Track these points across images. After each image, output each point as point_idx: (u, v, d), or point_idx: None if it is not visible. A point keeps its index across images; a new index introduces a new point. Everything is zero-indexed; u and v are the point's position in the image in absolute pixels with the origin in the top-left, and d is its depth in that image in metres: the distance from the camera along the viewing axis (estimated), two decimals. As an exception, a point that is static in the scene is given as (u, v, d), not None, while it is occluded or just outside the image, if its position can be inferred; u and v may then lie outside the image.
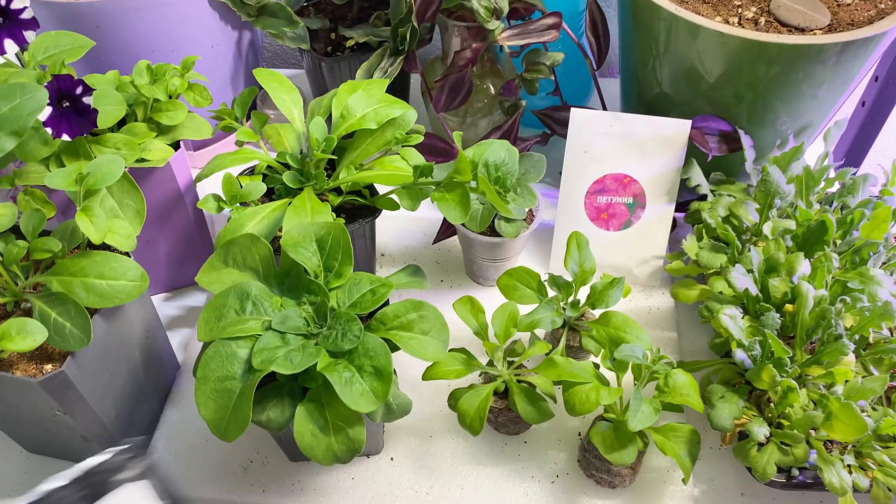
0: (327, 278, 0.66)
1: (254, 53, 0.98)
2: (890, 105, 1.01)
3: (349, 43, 0.92)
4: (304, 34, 0.91)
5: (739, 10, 0.77)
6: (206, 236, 0.85)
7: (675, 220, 0.89)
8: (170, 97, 0.75)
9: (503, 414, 0.72)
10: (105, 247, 0.68)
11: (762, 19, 0.75)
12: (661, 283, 0.87)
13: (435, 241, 0.86)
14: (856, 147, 1.06)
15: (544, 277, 0.89)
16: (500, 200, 0.66)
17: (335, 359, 0.62)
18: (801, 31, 0.74)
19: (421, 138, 0.78)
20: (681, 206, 0.90)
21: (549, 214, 0.94)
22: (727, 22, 0.76)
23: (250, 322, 0.62)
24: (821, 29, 0.74)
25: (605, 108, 0.93)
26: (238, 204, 0.74)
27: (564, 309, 0.75)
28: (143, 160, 0.73)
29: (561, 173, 0.93)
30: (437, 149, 0.92)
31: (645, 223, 0.85)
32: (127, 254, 0.66)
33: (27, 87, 0.55)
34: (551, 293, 0.76)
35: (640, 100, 0.92)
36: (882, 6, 0.76)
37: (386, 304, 0.67)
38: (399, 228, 0.94)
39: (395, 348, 0.64)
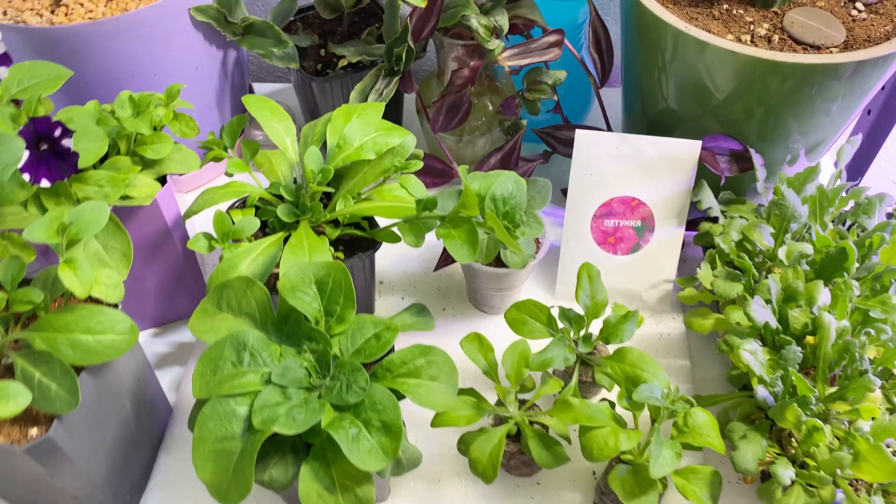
0: (329, 324, 0.62)
1: (240, 72, 0.94)
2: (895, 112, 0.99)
3: (341, 63, 0.88)
4: (294, 53, 0.87)
5: (751, 26, 0.73)
6: (196, 269, 0.81)
7: (684, 239, 0.86)
8: (154, 128, 0.71)
9: (515, 457, 0.69)
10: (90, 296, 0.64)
11: (775, 36, 0.72)
12: (672, 308, 0.85)
13: (436, 269, 0.83)
14: (860, 156, 1.03)
15: (551, 304, 0.86)
16: (509, 238, 0.62)
17: (340, 412, 0.58)
18: (817, 48, 0.71)
19: (420, 164, 0.74)
20: (689, 225, 0.87)
21: (553, 234, 0.91)
22: (739, 40, 0.72)
23: (248, 375, 0.59)
24: (836, 46, 0.71)
25: (608, 127, 0.90)
26: (231, 240, 0.70)
27: (576, 343, 0.72)
28: (127, 197, 0.69)
29: (563, 190, 0.90)
30: (434, 169, 0.88)
31: (654, 247, 0.82)
32: (115, 304, 0.62)
33: (1, 138, 0.51)
34: (560, 324, 0.73)
35: (644, 113, 0.89)
36: (898, 20, 0.74)
37: (391, 349, 0.64)
38: (398, 254, 0.90)
39: (402, 396, 0.61)
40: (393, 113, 1.00)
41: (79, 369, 0.59)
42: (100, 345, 0.58)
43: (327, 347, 0.61)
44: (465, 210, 0.63)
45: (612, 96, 1.08)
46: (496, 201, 0.64)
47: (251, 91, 1.03)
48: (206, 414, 0.57)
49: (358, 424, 0.57)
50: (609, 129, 0.90)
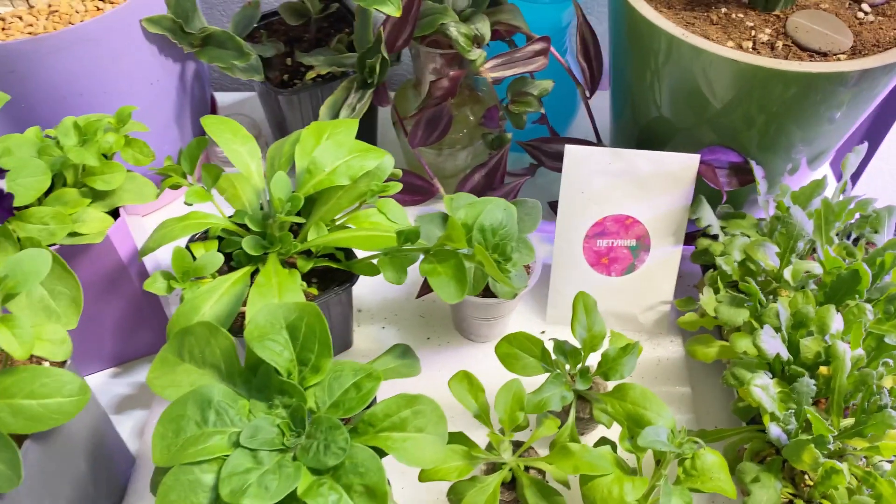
0: (302, 374, 0.56)
1: (200, 84, 0.87)
2: (894, 114, 0.95)
3: (310, 75, 0.81)
4: (257, 64, 0.80)
5: (753, 32, 0.68)
6: (157, 304, 0.75)
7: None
8: (105, 156, 0.64)
9: (511, 506, 0.64)
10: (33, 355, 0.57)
11: (779, 43, 0.67)
12: (670, 331, 0.80)
13: (419, 296, 0.77)
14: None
15: (542, 330, 0.81)
16: (500, 273, 0.57)
17: (318, 476, 0.52)
18: (823, 55, 0.66)
19: (399, 187, 0.68)
20: (686, 238, 0.82)
21: (543, 250, 0.86)
22: (740, 47, 0.67)
23: (214, 438, 0.53)
24: (843, 52, 0.66)
25: (597, 138, 0.84)
26: (192, 278, 0.64)
27: (573, 378, 0.67)
28: (76, 234, 0.62)
29: (551, 203, 0.84)
30: (414, 186, 0.83)
31: (650, 267, 0.77)
32: (62, 362, 0.56)
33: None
34: (554, 356, 0.68)
35: (634, 120, 0.84)
36: (908, 23, 0.69)
37: (373, 401, 0.58)
38: (377, 279, 0.83)
39: (384, 454, 0.55)
40: (367, 124, 0.94)
41: (22, 437, 0.53)
42: (45, 410, 0.52)
43: (301, 402, 0.55)
44: (451, 242, 0.58)
45: (600, 99, 1.02)
46: (485, 232, 0.59)
47: (213, 103, 0.96)
48: (169, 485, 0.51)
49: (338, 490, 0.51)
50: (598, 140, 0.85)
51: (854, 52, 0.67)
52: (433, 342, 0.79)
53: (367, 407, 0.56)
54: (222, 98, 1.03)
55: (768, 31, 0.68)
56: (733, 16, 0.69)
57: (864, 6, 0.70)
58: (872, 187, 1.13)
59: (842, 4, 0.70)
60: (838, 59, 0.66)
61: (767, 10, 0.69)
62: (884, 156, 1.11)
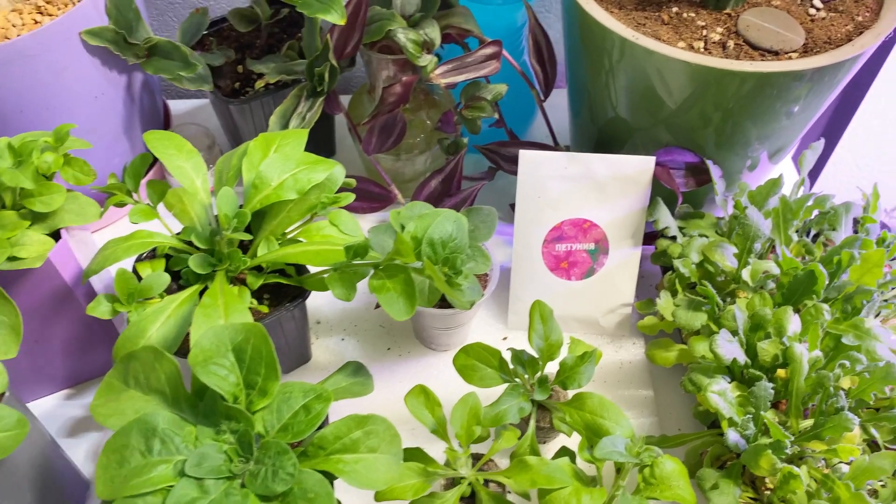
0: (250, 398, 0.55)
1: (149, 94, 0.85)
2: (854, 106, 0.95)
3: (259, 84, 0.79)
4: (206, 74, 0.78)
5: (704, 31, 0.67)
6: (108, 323, 0.73)
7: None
8: (45, 177, 0.62)
9: (471, 521, 0.63)
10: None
11: (730, 42, 0.66)
12: (632, 333, 0.79)
13: (378, 306, 0.76)
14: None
15: (504, 336, 0.80)
16: (449, 288, 0.56)
17: (267, 503, 0.51)
18: (775, 53, 0.65)
19: (352, 198, 0.67)
20: (646, 239, 0.81)
21: (503, 254, 0.85)
22: (691, 47, 0.66)
23: (159, 468, 0.51)
24: (795, 50, 0.66)
25: (554, 142, 0.83)
26: (139, 300, 0.62)
27: (532, 388, 0.66)
28: (15, 258, 0.60)
29: (512, 205, 0.83)
30: (371, 194, 0.81)
31: (609, 270, 0.76)
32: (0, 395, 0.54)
33: None
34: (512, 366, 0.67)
35: (592, 120, 0.83)
36: (860, 18, 0.68)
37: (325, 420, 0.57)
38: (335, 289, 0.83)
39: (334, 477, 0.54)
40: (324, 130, 0.92)
41: (-42, 474, 0.51)
42: (-20, 445, 0.50)
43: (248, 427, 0.53)
44: (399, 257, 0.56)
45: (560, 97, 1.01)
46: (434, 245, 0.57)
47: (167, 112, 0.94)
48: (111, 519, 0.49)
49: (287, 517, 0.50)
50: (555, 142, 0.84)
51: (806, 50, 0.66)
52: (394, 352, 0.78)
53: (319, 429, 0.55)
54: (176, 106, 1.01)
55: (720, 30, 0.67)
56: (685, 15, 0.68)
57: (816, 2, 0.69)
58: (839, 179, 1.13)
59: (793, 1, 0.69)
60: (790, 58, 0.65)
61: (719, 8, 0.68)
62: (848, 146, 1.11)
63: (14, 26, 0.70)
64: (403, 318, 0.56)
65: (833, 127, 0.96)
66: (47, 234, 0.63)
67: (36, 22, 0.71)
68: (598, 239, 0.75)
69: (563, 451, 0.64)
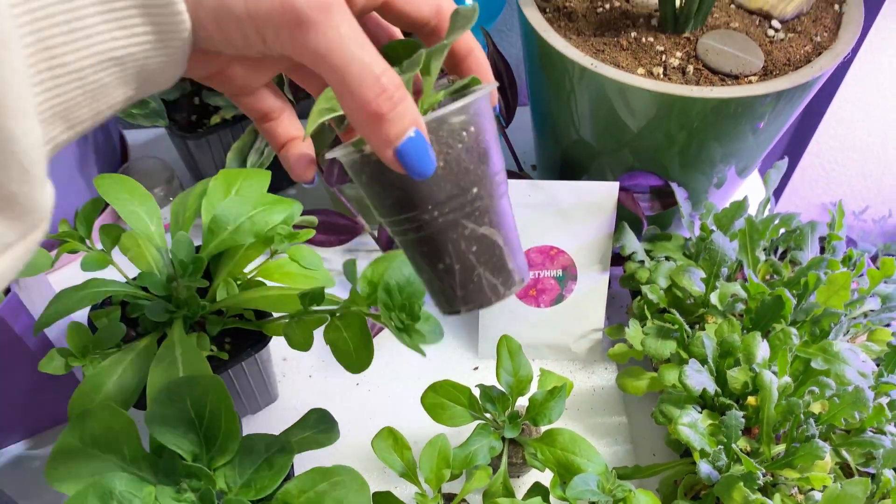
0: (210, 454, 0.53)
1: (103, 128, 0.83)
2: (818, 118, 0.95)
3: (214, 119, 0.77)
4: (160, 108, 0.76)
5: (663, 56, 0.66)
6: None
7: (609, 278, 0.80)
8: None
9: (444, 564, 0.62)
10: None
11: (690, 67, 0.66)
12: (603, 358, 0.78)
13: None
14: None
15: (475, 366, 0.79)
16: (405, 336, 0.54)
17: (230, 565, 0.50)
18: (735, 77, 0.65)
19: (311, 234, 0.66)
20: (616, 260, 0.81)
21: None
22: (651, 73, 0.65)
23: (118, 533, 0.50)
24: (755, 73, 0.65)
25: (519, 168, 0.82)
26: (95, 352, 0.61)
27: (502, 424, 0.65)
28: (-38, 314, 0.58)
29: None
30: (337, 226, 0.80)
31: (578, 296, 0.75)
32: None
33: None
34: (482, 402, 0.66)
35: (557, 141, 0.82)
36: (818, 38, 0.68)
37: (290, 474, 0.55)
38: (301, 323, 0.81)
39: (303, 532, 0.53)
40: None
41: None
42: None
43: (210, 486, 0.52)
44: (356, 304, 0.55)
45: (523, 114, 1.00)
46: (391, 291, 0.56)
47: (124, 145, 0.91)
48: (67, 592, 0.48)
49: (252, 579, 0.49)
50: (520, 169, 0.83)
51: (766, 73, 0.65)
52: (363, 387, 0.77)
53: (283, 482, 0.54)
54: (135, 136, 0.99)
55: (679, 54, 0.66)
56: (643, 40, 0.68)
57: (775, 23, 0.69)
58: (806, 190, 1.13)
59: (752, 23, 0.69)
60: (750, 82, 0.65)
61: (677, 32, 0.68)
62: (815, 153, 1.11)
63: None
64: (359, 371, 0.55)
65: (798, 139, 0.96)
66: (-4, 288, 0.61)
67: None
68: (565, 265, 0.74)
69: (536, 488, 0.63)
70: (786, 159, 0.75)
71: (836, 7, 0.71)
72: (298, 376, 0.77)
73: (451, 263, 0.38)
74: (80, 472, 0.53)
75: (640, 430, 0.74)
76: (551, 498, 0.63)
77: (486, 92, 0.36)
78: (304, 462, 0.58)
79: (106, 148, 0.84)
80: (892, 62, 1.00)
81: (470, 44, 0.40)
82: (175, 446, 0.52)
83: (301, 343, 0.57)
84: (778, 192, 1.10)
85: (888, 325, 0.71)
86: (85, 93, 0.27)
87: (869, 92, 1.05)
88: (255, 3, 0.29)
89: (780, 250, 0.77)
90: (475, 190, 0.36)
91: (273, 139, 0.40)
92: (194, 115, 0.83)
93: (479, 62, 0.39)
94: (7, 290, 0.61)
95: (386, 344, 0.78)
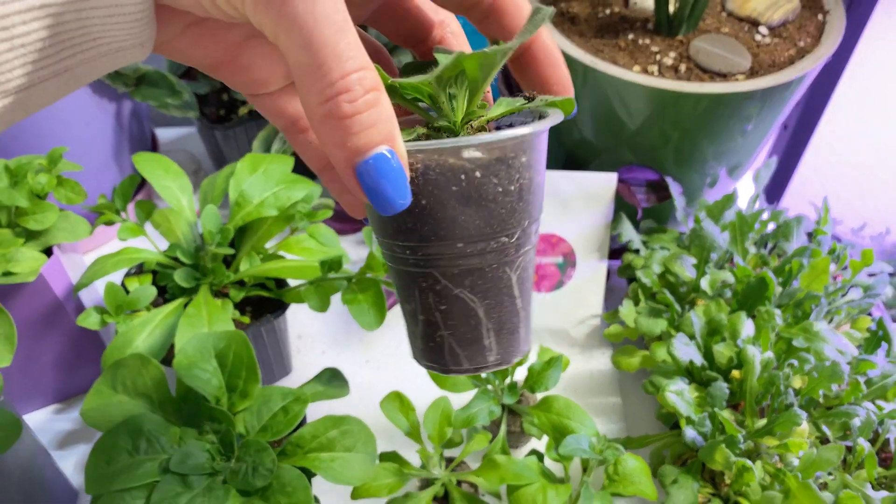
0: (232, 400, 0.58)
1: (138, 121, 0.89)
2: (812, 127, 1.00)
3: (242, 111, 0.84)
4: (192, 101, 0.82)
5: (658, 56, 0.72)
6: (96, 338, 0.76)
7: (608, 270, 0.84)
8: (38, 196, 0.66)
9: (444, 520, 0.66)
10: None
11: (682, 66, 0.71)
12: (601, 344, 0.83)
13: (356, 320, 0.79)
14: (780, 175, 1.03)
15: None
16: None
17: (247, 498, 0.54)
18: (724, 76, 0.70)
19: (330, 213, 0.71)
20: (613, 254, 0.86)
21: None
22: (646, 71, 0.71)
23: (145, 465, 0.54)
24: (742, 73, 0.71)
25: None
26: (127, 311, 0.66)
27: (501, 392, 0.69)
28: (9, 273, 0.64)
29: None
30: (347, 215, 0.85)
31: (577, 282, 0.80)
32: (-8, 398, 0.57)
33: None
34: (484, 374, 0.70)
35: (559, 141, 0.87)
36: (802, 44, 0.73)
37: (302, 422, 0.60)
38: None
39: (312, 474, 0.57)
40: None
41: (-47, 474, 0.54)
42: (-25, 445, 0.53)
43: (230, 427, 0.56)
44: (371, 271, 0.60)
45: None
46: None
47: (154, 139, 0.98)
48: (99, 513, 0.52)
49: (266, 510, 0.53)
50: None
51: (752, 73, 0.71)
52: (372, 365, 0.81)
53: (297, 429, 0.59)
54: (164, 134, 1.05)
55: (672, 55, 0.72)
56: (640, 42, 0.73)
57: (762, 29, 0.74)
58: (805, 195, 1.17)
59: (741, 28, 0.75)
60: (737, 80, 0.70)
61: (671, 35, 0.73)
62: (811, 164, 1.16)
63: (10, 57, 0.75)
64: (373, 328, 0.60)
65: (791, 155, 1.01)
66: (40, 251, 0.66)
67: (31, 53, 0.75)
68: (565, 252, 0.79)
69: (532, 453, 0.67)
70: (775, 158, 0.80)
71: (820, 16, 0.76)
72: (312, 353, 0.82)
73: (415, 310, 0.32)
74: (112, 413, 0.58)
75: (634, 410, 0.78)
76: (546, 461, 0.67)
77: (547, 125, 0.29)
78: (316, 415, 0.63)
79: (139, 139, 0.90)
80: (884, 82, 1.05)
81: (550, 48, 0.31)
82: (201, 389, 0.56)
83: (318, 305, 0.62)
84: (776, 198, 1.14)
85: (869, 314, 0.75)
86: (13, 48, 0.22)
87: (862, 109, 1.10)
88: None
89: (770, 245, 0.82)
90: (460, 245, 0.29)
91: (309, 155, 0.33)
92: (222, 110, 0.89)
93: (561, 75, 0.32)
94: (49, 253, 0.66)
95: (397, 324, 0.83)
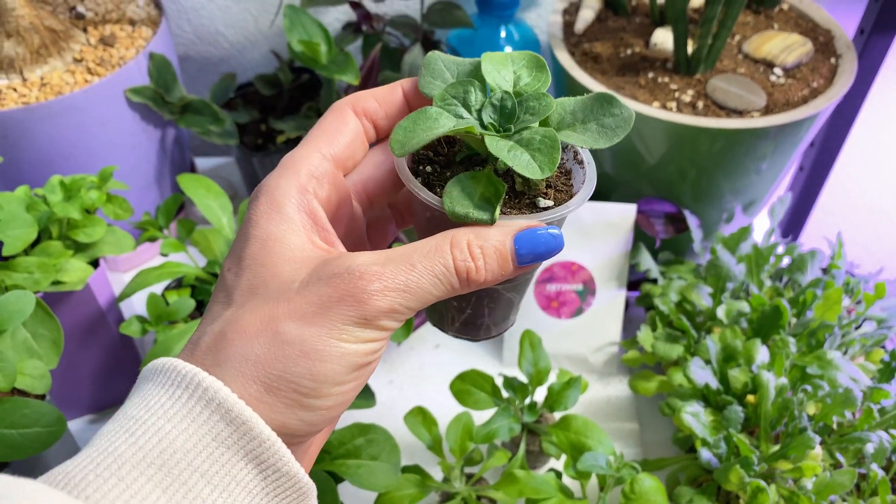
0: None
1: (180, 148, 0.94)
2: (827, 169, 1.02)
3: (280, 139, 0.88)
4: (233, 129, 0.87)
5: (676, 94, 0.76)
6: (134, 352, 0.79)
7: (627, 300, 0.87)
8: (88, 211, 0.70)
9: (463, 534, 0.67)
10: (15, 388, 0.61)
11: (700, 103, 0.75)
12: (619, 371, 0.85)
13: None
14: (798, 212, 1.06)
15: (499, 371, 0.85)
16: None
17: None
18: (739, 113, 0.74)
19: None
20: (632, 285, 0.88)
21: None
22: (665, 107, 0.75)
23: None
24: (757, 111, 0.74)
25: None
26: (165, 322, 0.69)
27: (522, 412, 0.71)
28: (59, 282, 0.68)
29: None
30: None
31: (596, 309, 0.82)
32: (42, 395, 0.60)
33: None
34: (505, 393, 0.73)
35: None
36: (815, 85, 0.77)
37: (330, 429, 0.62)
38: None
39: (341, 479, 0.60)
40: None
41: (1, 465, 0.57)
42: (24, 439, 0.56)
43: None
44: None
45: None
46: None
47: (193, 167, 1.02)
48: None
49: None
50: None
51: (767, 111, 0.74)
52: (395, 385, 0.84)
53: (325, 436, 0.61)
54: (202, 162, 1.10)
55: (690, 92, 0.76)
56: (659, 80, 0.77)
57: (777, 70, 0.78)
58: (822, 232, 1.20)
59: (756, 69, 0.78)
60: (752, 117, 0.73)
61: (690, 74, 0.77)
62: (827, 205, 1.18)
63: (67, 84, 0.80)
64: (399, 340, 0.62)
65: (807, 197, 1.04)
66: (87, 263, 0.70)
67: (86, 81, 0.80)
68: (585, 280, 0.82)
69: (551, 472, 0.69)
70: (790, 194, 0.83)
71: (833, 60, 0.80)
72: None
73: (464, 307, 0.37)
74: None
75: (651, 436, 0.80)
76: (564, 478, 0.69)
77: (578, 204, 0.35)
78: (343, 424, 0.65)
79: (180, 164, 0.95)
80: (897, 125, 1.08)
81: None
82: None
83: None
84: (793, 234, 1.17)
85: (883, 346, 0.77)
86: None
87: (876, 153, 1.13)
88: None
89: (785, 279, 0.84)
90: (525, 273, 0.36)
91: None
92: (260, 139, 0.94)
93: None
94: (96, 264, 0.70)
95: (421, 346, 0.86)
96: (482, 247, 0.31)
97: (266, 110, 0.97)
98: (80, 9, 0.89)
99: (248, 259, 0.32)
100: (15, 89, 0.79)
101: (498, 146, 0.32)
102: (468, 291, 0.32)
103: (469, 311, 0.37)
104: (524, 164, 0.31)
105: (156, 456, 0.27)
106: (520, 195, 0.35)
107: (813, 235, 1.20)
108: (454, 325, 0.38)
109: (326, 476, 0.57)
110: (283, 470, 0.30)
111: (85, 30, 0.86)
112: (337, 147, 0.35)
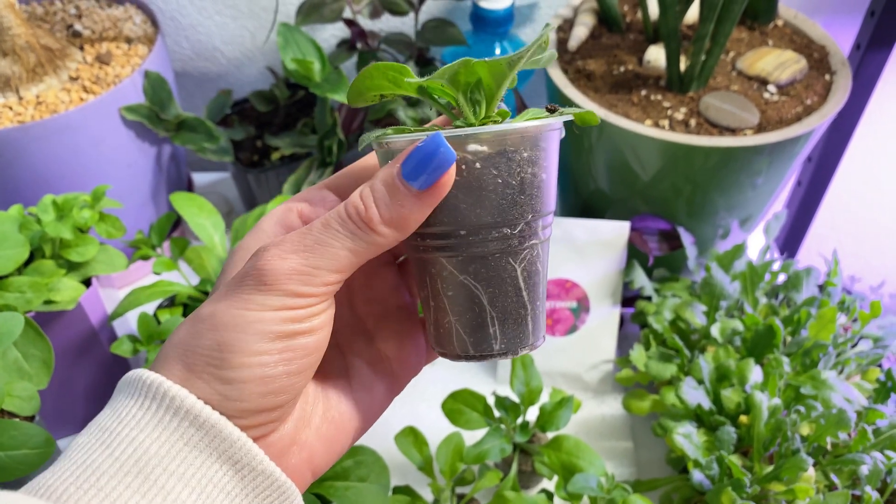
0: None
1: (176, 165, 0.94)
2: (825, 184, 1.02)
3: (275, 156, 0.88)
4: (227, 146, 0.87)
5: (669, 111, 0.76)
6: (127, 370, 0.79)
7: (622, 317, 0.87)
8: (81, 230, 0.70)
9: (454, 555, 0.67)
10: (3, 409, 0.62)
11: (692, 121, 0.74)
12: (613, 389, 0.84)
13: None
14: (795, 229, 1.05)
15: (493, 388, 0.85)
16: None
17: (264, 521, 0.56)
18: (732, 130, 0.73)
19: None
20: (627, 302, 0.88)
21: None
22: (657, 125, 0.74)
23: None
24: (750, 128, 0.74)
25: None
26: (157, 342, 0.69)
27: (514, 431, 0.71)
28: (50, 301, 0.68)
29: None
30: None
31: (591, 327, 0.82)
32: (31, 417, 0.60)
33: None
34: (497, 413, 0.72)
35: (576, 192, 0.90)
36: (808, 102, 0.76)
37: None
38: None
39: (329, 501, 0.59)
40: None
41: (-12, 488, 0.57)
42: (12, 461, 0.56)
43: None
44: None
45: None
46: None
47: (190, 183, 1.03)
48: None
49: (281, 534, 0.55)
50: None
51: (760, 128, 0.74)
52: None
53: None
54: (199, 178, 1.10)
55: (683, 110, 0.75)
56: (652, 98, 0.77)
57: (770, 88, 0.78)
58: (820, 249, 1.19)
59: (750, 86, 0.78)
60: (745, 134, 0.73)
61: (682, 91, 0.77)
62: (827, 221, 1.17)
63: (63, 102, 0.80)
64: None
65: (807, 201, 1.03)
66: (79, 282, 0.70)
67: (82, 99, 0.81)
68: (579, 297, 0.81)
69: (543, 493, 0.68)
70: (786, 210, 0.82)
71: (827, 77, 0.79)
72: (331, 389, 0.84)
73: (427, 297, 0.34)
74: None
75: (645, 456, 0.79)
76: (556, 500, 0.68)
77: (547, 122, 0.32)
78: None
79: (176, 181, 0.95)
80: (895, 140, 1.08)
81: None
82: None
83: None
84: (790, 251, 1.16)
85: (879, 366, 0.77)
86: None
87: (874, 168, 1.13)
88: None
89: (781, 297, 0.83)
90: (462, 233, 0.32)
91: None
92: (256, 156, 0.94)
93: None
94: (89, 283, 0.70)
95: (413, 364, 0.85)
96: (371, 184, 0.31)
97: (262, 126, 0.97)
98: (77, 27, 0.89)
99: (221, 276, 0.35)
100: (11, 108, 0.79)
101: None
102: (379, 241, 0.31)
103: (433, 304, 0.34)
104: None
105: (132, 464, 0.29)
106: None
107: (813, 251, 1.20)
108: (430, 330, 0.35)
109: (314, 498, 0.56)
110: (258, 469, 0.30)
111: (81, 48, 0.87)
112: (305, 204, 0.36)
